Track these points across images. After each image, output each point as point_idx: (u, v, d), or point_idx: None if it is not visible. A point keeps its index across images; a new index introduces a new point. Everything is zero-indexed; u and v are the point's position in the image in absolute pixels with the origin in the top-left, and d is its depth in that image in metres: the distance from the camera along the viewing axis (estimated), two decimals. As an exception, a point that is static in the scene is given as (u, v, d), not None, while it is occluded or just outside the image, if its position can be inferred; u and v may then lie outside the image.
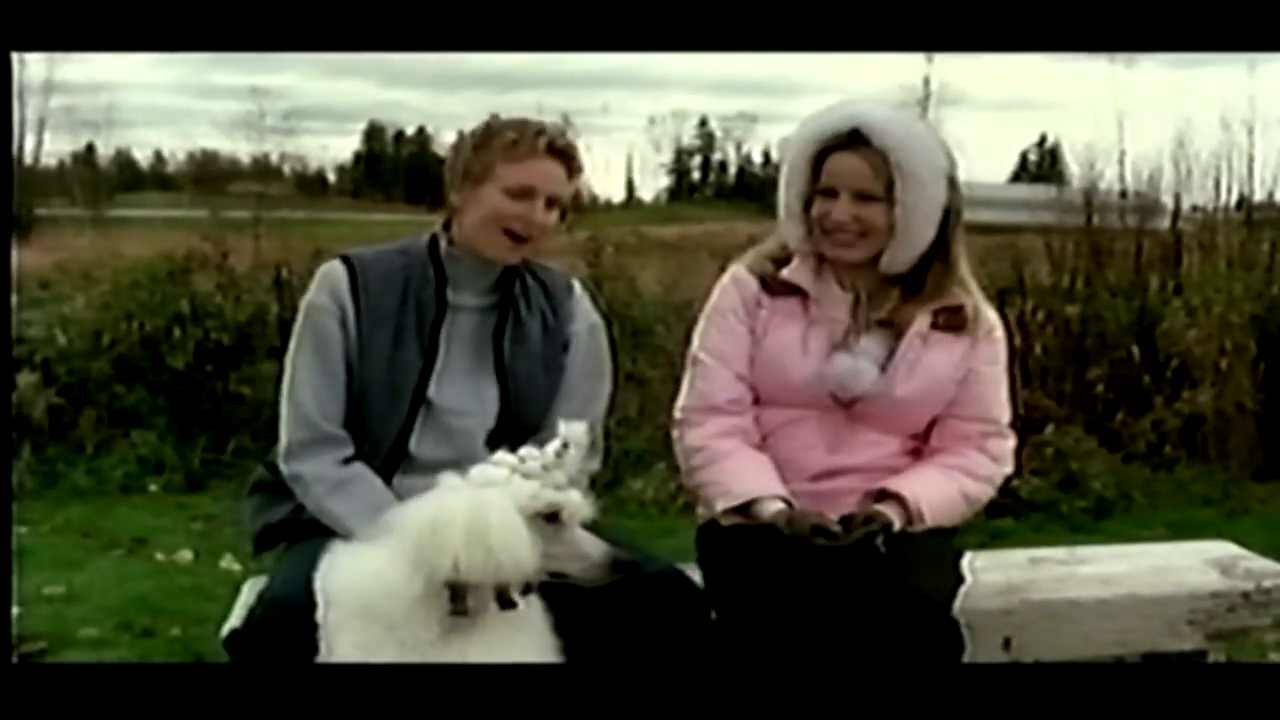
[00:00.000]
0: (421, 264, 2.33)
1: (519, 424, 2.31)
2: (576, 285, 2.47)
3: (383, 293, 2.28)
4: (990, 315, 2.47)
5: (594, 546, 1.90)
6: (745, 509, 2.31)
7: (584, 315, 2.44)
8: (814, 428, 2.40)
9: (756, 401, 2.43)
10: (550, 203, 2.29)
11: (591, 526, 1.94)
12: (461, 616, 1.84)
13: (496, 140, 2.26)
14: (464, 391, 2.31)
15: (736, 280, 2.46)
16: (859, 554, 2.19)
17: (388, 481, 2.24)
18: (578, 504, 1.90)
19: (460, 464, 1.98)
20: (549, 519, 1.87)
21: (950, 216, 2.35)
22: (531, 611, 1.93)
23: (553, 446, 1.89)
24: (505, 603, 1.87)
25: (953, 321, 2.41)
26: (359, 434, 2.27)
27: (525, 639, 1.90)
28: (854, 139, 2.32)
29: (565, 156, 2.29)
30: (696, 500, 2.60)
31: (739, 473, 2.35)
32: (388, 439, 2.27)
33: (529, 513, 1.84)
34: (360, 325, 2.27)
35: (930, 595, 2.17)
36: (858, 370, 2.36)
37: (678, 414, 2.46)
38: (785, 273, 2.43)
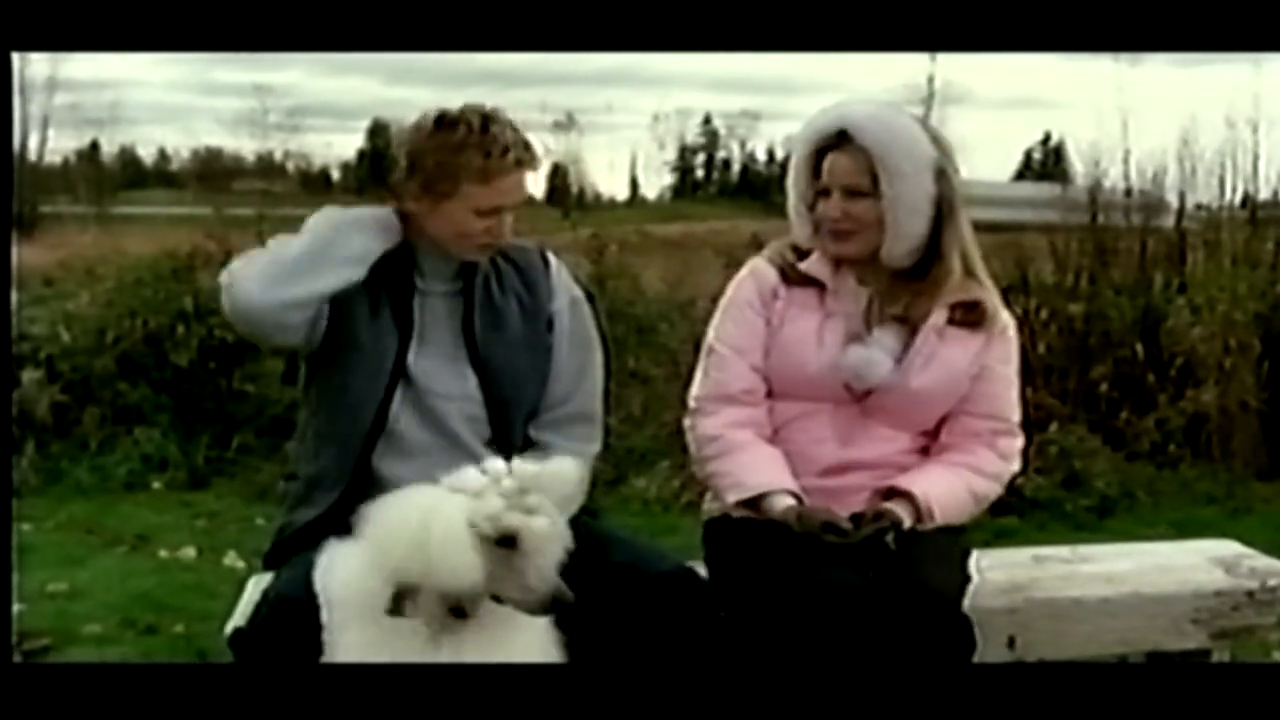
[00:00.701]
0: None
1: (507, 409, 2.31)
2: (553, 260, 2.43)
3: None
4: (1005, 314, 2.48)
5: (540, 581, 1.80)
6: (755, 502, 2.32)
7: (564, 290, 2.40)
8: (826, 421, 2.40)
9: (770, 394, 2.43)
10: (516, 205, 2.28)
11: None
12: (398, 617, 1.82)
13: (461, 160, 2.18)
14: (444, 373, 2.29)
15: (755, 272, 2.47)
16: (868, 551, 2.20)
17: (368, 458, 2.25)
18: (538, 534, 1.80)
19: (445, 446, 1.95)
20: (504, 542, 1.79)
21: (942, 208, 2.35)
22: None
23: (542, 471, 1.83)
24: (457, 612, 1.83)
25: (969, 317, 2.42)
26: (340, 405, 2.27)
27: (525, 639, 1.88)
28: (842, 138, 2.35)
29: (529, 163, 2.26)
30: (701, 497, 2.60)
31: (751, 465, 2.35)
32: (368, 410, 2.25)
33: (484, 531, 1.78)
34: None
35: (941, 592, 2.18)
36: (872, 361, 2.36)
37: (691, 403, 2.47)
38: (804, 265, 2.43)
